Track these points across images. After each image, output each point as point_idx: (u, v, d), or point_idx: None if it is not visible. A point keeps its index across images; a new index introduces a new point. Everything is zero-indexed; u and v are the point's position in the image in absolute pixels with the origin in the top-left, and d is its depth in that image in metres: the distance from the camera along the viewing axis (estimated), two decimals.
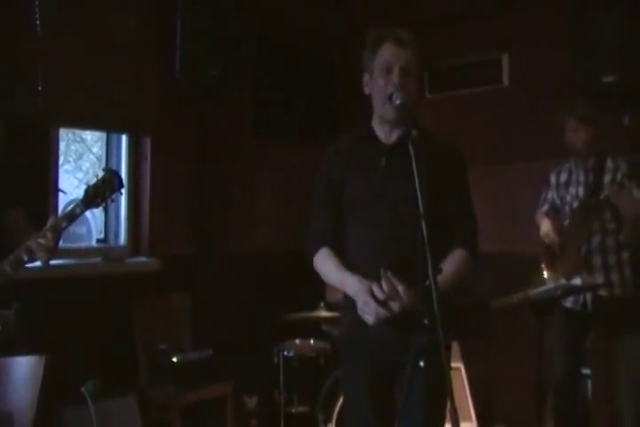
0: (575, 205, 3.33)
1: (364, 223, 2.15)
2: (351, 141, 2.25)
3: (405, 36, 2.10)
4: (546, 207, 3.53)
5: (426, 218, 1.77)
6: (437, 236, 1.79)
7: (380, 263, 2.00)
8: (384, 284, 1.96)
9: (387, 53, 2.09)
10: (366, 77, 2.16)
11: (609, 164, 3.25)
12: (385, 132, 2.17)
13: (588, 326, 3.27)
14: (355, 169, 2.18)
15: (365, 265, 2.09)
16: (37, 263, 2.40)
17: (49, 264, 2.38)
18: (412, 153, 1.84)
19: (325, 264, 2.19)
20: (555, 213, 3.48)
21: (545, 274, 3.39)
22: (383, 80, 2.08)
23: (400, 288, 1.95)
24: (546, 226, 3.39)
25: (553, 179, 3.49)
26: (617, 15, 3.55)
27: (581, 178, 3.33)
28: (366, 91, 2.17)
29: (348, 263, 2.15)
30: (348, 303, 2.11)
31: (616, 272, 3.21)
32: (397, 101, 2.00)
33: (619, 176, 3.16)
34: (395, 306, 1.95)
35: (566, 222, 3.37)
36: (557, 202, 3.46)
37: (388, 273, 1.96)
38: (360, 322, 2.03)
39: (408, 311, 1.94)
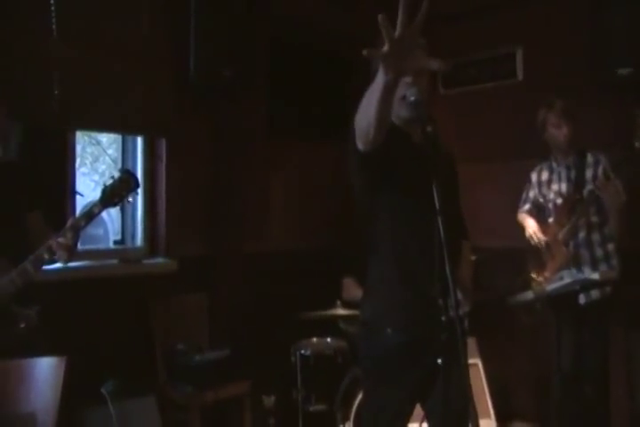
0: (559, 201, 3.38)
1: (408, 211, 2.14)
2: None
3: None
4: (527, 206, 3.58)
5: (442, 215, 1.77)
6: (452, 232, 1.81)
7: (429, 261, 1.98)
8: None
9: None
10: None
11: (589, 159, 3.32)
12: (410, 130, 2.19)
13: (583, 320, 3.27)
14: (398, 155, 2.09)
15: (416, 262, 2.13)
16: (57, 265, 2.44)
17: (67, 265, 2.41)
18: (431, 154, 1.85)
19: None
20: (537, 211, 3.53)
21: (533, 274, 3.40)
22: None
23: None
24: (530, 227, 3.45)
25: (534, 177, 3.54)
26: (632, 8, 3.52)
27: (563, 174, 3.39)
28: None
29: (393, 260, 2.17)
30: (391, 304, 2.15)
31: (604, 264, 3.26)
32: (411, 98, 2.00)
33: (599, 170, 3.25)
34: (467, 305, 2.21)
35: (550, 220, 3.40)
36: (540, 200, 3.51)
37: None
38: (407, 322, 2.12)
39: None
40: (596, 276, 3.08)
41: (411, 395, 2.15)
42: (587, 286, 3.08)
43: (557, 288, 3.19)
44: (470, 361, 2.66)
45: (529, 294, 3.34)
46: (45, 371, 2.08)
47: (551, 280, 3.26)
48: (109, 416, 3.03)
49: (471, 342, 3.53)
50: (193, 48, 3.68)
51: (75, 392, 2.27)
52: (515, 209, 3.65)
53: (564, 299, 3.14)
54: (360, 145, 1.97)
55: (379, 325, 2.17)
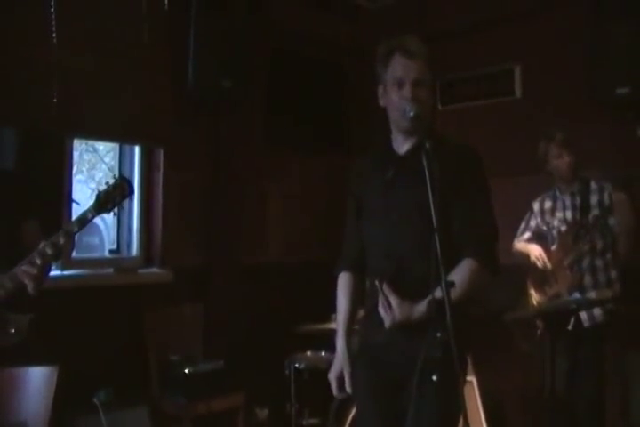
0: (563, 228, 3.40)
1: (372, 233, 2.18)
2: (371, 155, 2.28)
3: (415, 47, 2.07)
4: (527, 235, 3.60)
5: (439, 233, 1.77)
6: (449, 246, 1.80)
7: (381, 274, 2.06)
8: (380, 297, 1.99)
9: (397, 67, 2.06)
10: (381, 90, 2.14)
11: (593, 186, 3.36)
12: (398, 143, 2.15)
13: (579, 342, 3.27)
14: (369, 182, 2.20)
15: (374, 273, 2.14)
16: (52, 279, 2.40)
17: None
18: (425, 166, 1.84)
19: (339, 297, 2.27)
20: (537, 240, 3.54)
21: (534, 300, 3.41)
22: (396, 94, 2.06)
23: (393, 301, 1.98)
24: (537, 250, 3.45)
25: (536, 206, 3.57)
26: (630, 27, 3.55)
27: (568, 202, 3.43)
28: (381, 103, 2.16)
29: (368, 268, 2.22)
30: (368, 307, 2.18)
31: (607, 289, 3.25)
32: (410, 113, 2.00)
33: (605, 196, 3.29)
34: (387, 320, 1.99)
35: (554, 247, 3.42)
36: (543, 228, 3.53)
37: (384, 286, 1.99)
38: (371, 326, 2.11)
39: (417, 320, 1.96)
40: (592, 295, 3.09)
41: (374, 395, 2.15)
42: (583, 304, 3.09)
43: (554, 306, 3.20)
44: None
45: (526, 312, 3.34)
46: (38, 380, 2.07)
47: (555, 296, 3.28)
48: (101, 426, 3.01)
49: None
50: (192, 58, 3.70)
51: (67, 402, 2.26)
52: (511, 225, 3.65)
53: (560, 320, 3.15)
54: None
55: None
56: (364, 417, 2.20)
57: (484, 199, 2.10)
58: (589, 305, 3.12)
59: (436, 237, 1.77)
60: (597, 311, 3.21)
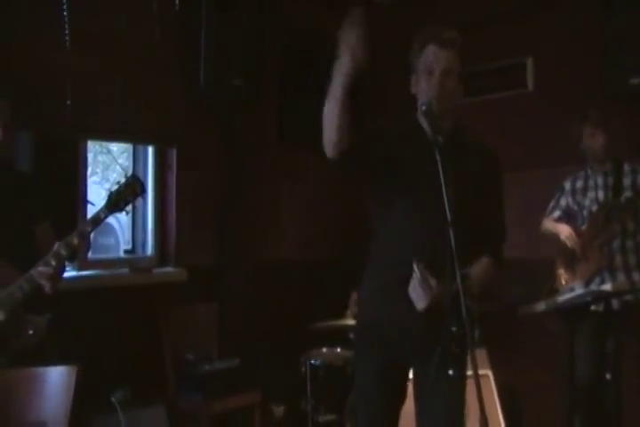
0: (594, 208, 3.38)
1: (407, 208, 2.10)
2: (400, 127, 2.23)
3: (449, 37, 2.10)
4: (557, 213, 3.58)
5: (454, 226, 1.77)
6: (469, 238, 1.81)
7: (412, 250, 2.01)
8: (415, 279, 1.96)
9: (429, 55, 2.10)
10: (413, 79, 2.16)
11: (626, 167, 3.35)
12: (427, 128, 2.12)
13: (611, 327, 3.24)
14: (406, 152, 2.11)
15: (400, 249, 2.09)
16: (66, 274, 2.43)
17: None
18: (438, 161, 1.84)
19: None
20: (567, 218, 3.53)
21: (563, 279, 3.40)
22: (425, 82, 2.09)
23: (433, 282, 1.96)
24: (567, 230, 3.43)
25: (568, 185, 3.55)
26: None
27: (600, 182, 3.41)
28: (412, 91, 2.17)
29: (382, 246, 2.17)
30: (372, 288, 2.18)
31: (637, 271, 3.27)
32: (423, 108, 2.01)
33: (638, 179, 3.29)
34: (423, 300, 1.96)
35: (584, 226, 3.41)
36: (574, 207, 3.51)
37: (421, 266, 1.96)
38: (380, 306, 2.10)
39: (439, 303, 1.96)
40: (608, 287, 3.06)
41: (379, 378, 2.14)
42: (598, 297, 3.07)
43: (568, 300, 3.18)
44: (481, 372, 2.64)
45: (540, 305, 3.33)
46: (57, 380, 2.08)
47: (570, 289, 3.26)
48: (119, 425, 3.03)
49: (482, 353, 3.50)
50: (204, 58, 3.70)
51: (85, 401, 2.27)
52: (524, 219, 3.62)
53: (578, 310, 3.13)
54: (327, 153, 2.04)
55: (362, 303, 2.27)
56: (367, 400, 2.19)
57: (502, 200, 2.21)
58: (605, 297, 3.10)
59: (451, 232, 1.77)
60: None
